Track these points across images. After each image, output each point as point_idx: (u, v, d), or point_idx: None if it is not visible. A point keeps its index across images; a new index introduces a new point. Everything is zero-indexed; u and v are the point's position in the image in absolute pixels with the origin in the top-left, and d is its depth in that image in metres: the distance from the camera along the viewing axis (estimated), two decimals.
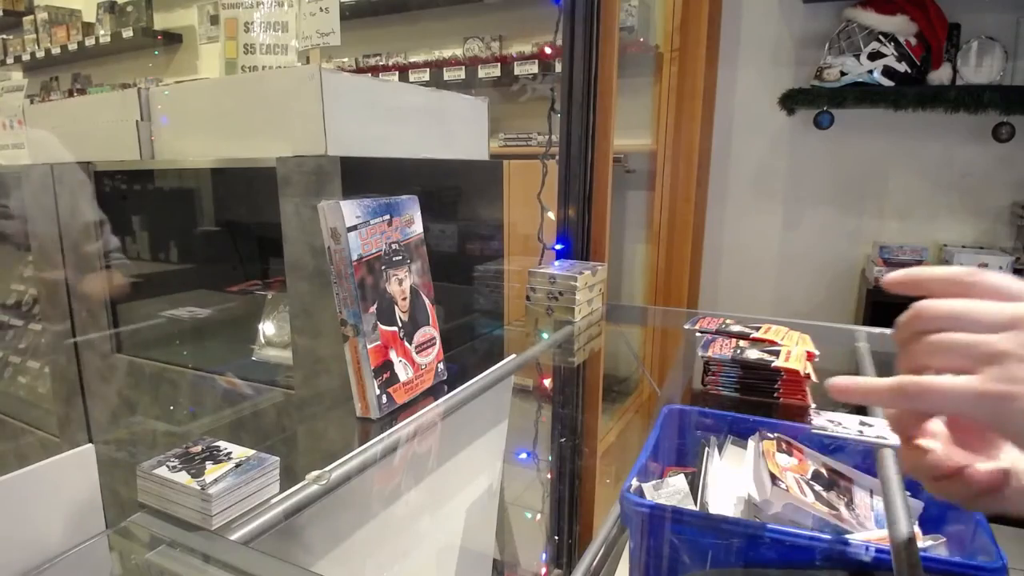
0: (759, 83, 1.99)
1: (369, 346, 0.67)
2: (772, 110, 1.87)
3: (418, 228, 0.76)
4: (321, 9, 1.02)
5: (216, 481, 0.69)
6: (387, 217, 0.70)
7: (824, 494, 0.57)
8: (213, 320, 1.28)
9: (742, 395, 0.76)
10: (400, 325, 0.71)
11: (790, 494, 0.54)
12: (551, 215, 1.22)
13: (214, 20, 2.82)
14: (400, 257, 0.72)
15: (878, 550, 0.47)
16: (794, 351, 0.78)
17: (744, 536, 0.50)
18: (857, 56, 1.68)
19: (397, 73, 2.35)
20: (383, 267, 0.69)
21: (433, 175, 1.12)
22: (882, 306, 1.63)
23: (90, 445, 0.61)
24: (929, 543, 0.54)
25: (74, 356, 1.23)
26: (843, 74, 1.69)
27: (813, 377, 0.75)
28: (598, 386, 1.06)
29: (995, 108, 1.57)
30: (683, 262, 1.99)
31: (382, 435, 0.67)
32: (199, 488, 0.67)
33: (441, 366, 0.77)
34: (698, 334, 0.92)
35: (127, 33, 2.93)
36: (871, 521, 0.56)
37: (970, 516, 0.52)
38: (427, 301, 0.76)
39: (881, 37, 1.65)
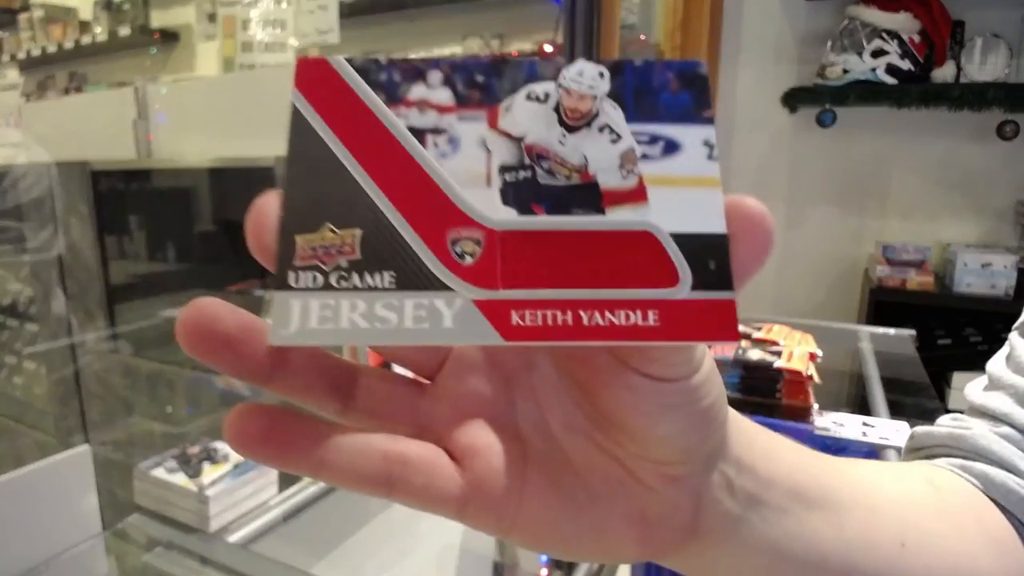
0: (761, 81, 1.98)
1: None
2: (774, 108, 1.86)
3: None
4: (319, 7, 1.02)
5: (214, 483, 0.68)
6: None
7: None
8: None
9: (744, 396, 0.76)
10: None
11: None
12: None
13: (212, 18, 2.81)
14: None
15: None
16: (796, 351, 0.77)
17: None
18: (860, 54, 1.66)
19: None
20: None
21: None
22: (885, 306, 1.62)
23: (86, 446, 0.61)
24: None
25: (70, 356, 1.23)
26: (846, 72, 1.67)
27: (816, 378, 0.75)
28: None
29: (999, 106, 1.56)
30: None
31: None
32: (197, 490, 0.67)
33: None
34: None
35: (124, 31, 2.92)
36: None
37: None
38: None
39: (884, 35, 1.64)
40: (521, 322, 0.13)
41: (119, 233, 1.30)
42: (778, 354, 0.76)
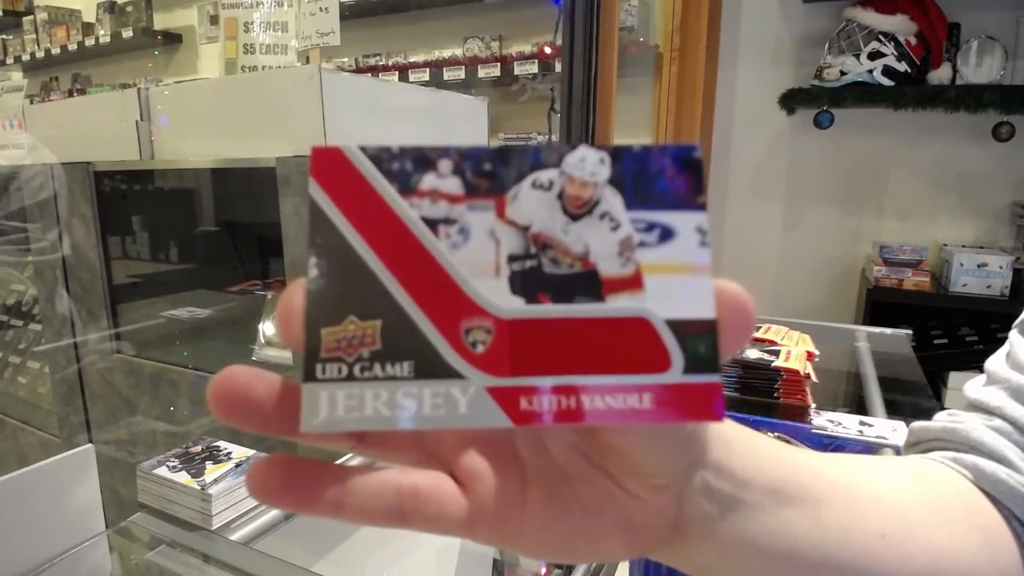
0: (759, 83, 1.99)
1: None
2: (772, 110, 1.86)
3: None
4: (321, 9, 1.02)
5: (216, 481, 0.69)
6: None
7: None
8: (213, 320, 1.28)
9: (742, 395, 0.76)
10: None
11: None
12: None
13: (214, 20, 2.82)
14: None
15: None
16: (794, 351, 0.78)
17: None
18: (857, 56, 1.67)
19: (397, 73, 2.35)
20: None
21: None
22: (882, 306, 1.62)
23: (90, 445, 0.61)
24: None
25: (74, 356, 1.23)
26: (843, 74, 1.68)
27: (813, 377, 0.75)
28: None
29: (995, 108, 1.57)
30: None
31: None
32: (199, 488, 0.67)
33: None
34: None
35: (127, 33, 2.93)
36: None
37: None
38: None
39: (881, 37, 1.65)
40: (529, 406, 0.14)
41: (122, 233, 1.30)
42: (776, 353, 0.77)
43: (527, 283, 0.14)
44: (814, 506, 0.20)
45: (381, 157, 0.14)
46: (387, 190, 0.14)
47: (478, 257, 0.14)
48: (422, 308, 0.14)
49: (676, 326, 0.14)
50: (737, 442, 0.19)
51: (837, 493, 0.21)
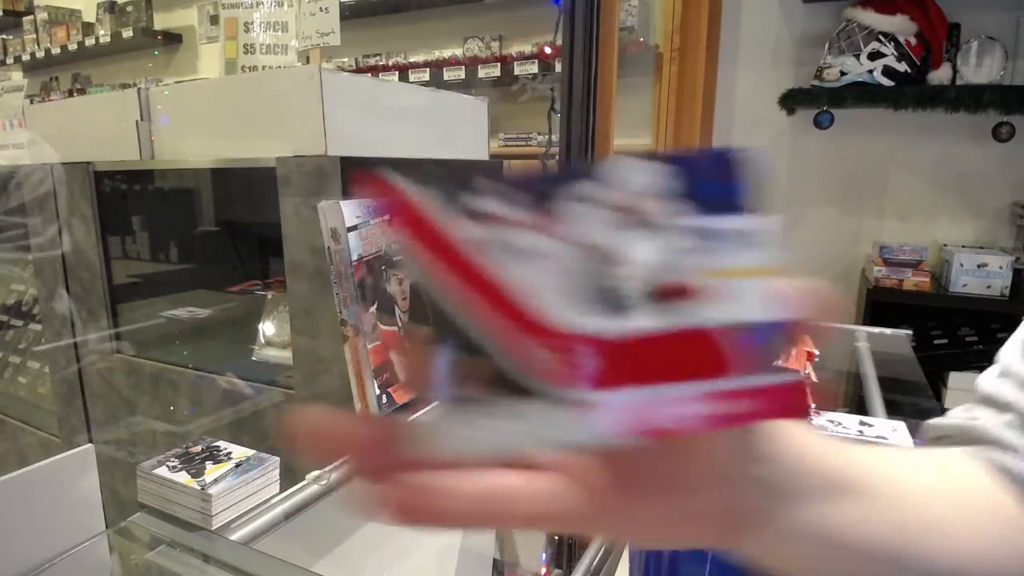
0: (759, 83, 1.99)
1: (369, 346, 0.67)
2: (772, 110, 1.86)
3: None
4: (321, 9, 1.02)
5: (216, 481, 0.69)
6: (388, 217, 0.70)
7: None
8: (213, 320, 1.28)
9: None
10: (400, 325, 0.71)
11: None
12: None
13: (214, 20, 2.82)
14: (401, 257, 0.72)
15: None
16: (794, 351, 0.78)
17: None
18: (857, 56, 1.67)
19: (397, 73, 2.35)
20: (383, 267, 0.70)
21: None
22: (882, 306, 1.62)
23: (90, 445, 0.61)
24: None
25: (74, 356, 1.23)
26: (843, 74, 1.68)
27: (813, 377, 0.75)
28: None
29: (995, 108, 1.57)
30: None
31: None
32: (199, 488, 0.67)
33: None
34: None
35: (127, 33, 2.93)
36: None
37: None
38: None
39: (881, 37, 1.65)
40: (613, 420, 0.14)
41: (122, 233, 1.30)
42: None
43: (595, 300, 0.15)
44: (868, 498, 0.21)
45: (437, 185, 0.15)
46: (450, 219, 0.15)
47: (545, 277, 0.15)
48: (499, 332, 0.15)
49: (750, 329, 0.14)
50: (796, 435, 0.20)
51: (884, 487, 0.22)
